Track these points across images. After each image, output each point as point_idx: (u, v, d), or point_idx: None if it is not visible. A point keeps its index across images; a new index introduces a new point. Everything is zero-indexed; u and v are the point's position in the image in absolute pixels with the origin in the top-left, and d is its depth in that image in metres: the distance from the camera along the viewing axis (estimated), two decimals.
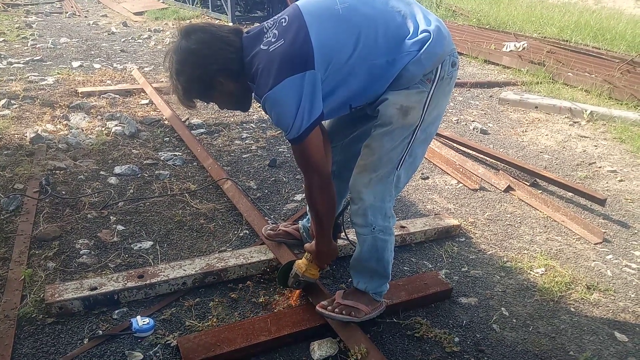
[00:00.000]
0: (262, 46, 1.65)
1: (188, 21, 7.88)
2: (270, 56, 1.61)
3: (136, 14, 9.46)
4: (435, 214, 2.93)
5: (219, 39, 1.69)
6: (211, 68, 1.68)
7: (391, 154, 1.74)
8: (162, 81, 5.20)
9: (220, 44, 1.68)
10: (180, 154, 3.52)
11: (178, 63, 1.69)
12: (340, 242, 2.25)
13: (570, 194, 3.30)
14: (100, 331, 1.90)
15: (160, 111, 4.30)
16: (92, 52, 6.35)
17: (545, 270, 2.51)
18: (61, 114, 4.03)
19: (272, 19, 1.72)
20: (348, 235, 2.16)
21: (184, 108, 1.87)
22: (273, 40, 1.63)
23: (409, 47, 1.64)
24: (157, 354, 1.82)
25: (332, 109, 1.74)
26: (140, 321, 1.90)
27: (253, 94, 1.75)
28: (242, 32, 1.75)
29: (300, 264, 2.04)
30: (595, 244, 2.79)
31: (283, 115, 1.63)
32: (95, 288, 2.02)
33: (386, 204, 1.82)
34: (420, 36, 1.64)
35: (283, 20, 1.67)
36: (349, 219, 1.92)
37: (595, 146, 4.24)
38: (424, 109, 1.71)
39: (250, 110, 4.81)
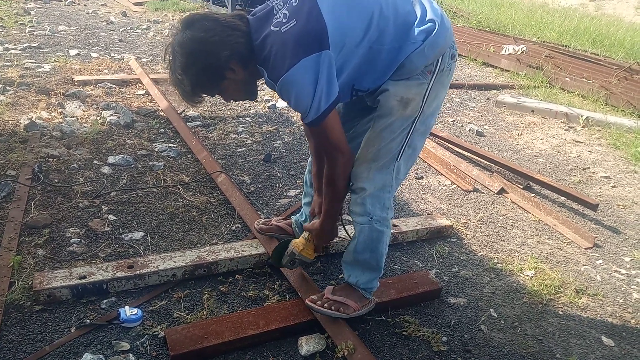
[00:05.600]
0: (272, 27, 1.59)
1: (187, 13, 7.84)
2: (283, 37, 1.56)
3: (136, 4, 9.39)
4: (427, 214, 2.94)
5: (225, 25, 1.63)
6: (223, 55, 1.62)
7: (391, 144, 1.75)
8: (160, 72, 5.18)
9: (228, 30, 1.62)
10: (174, 145, 3.50)
11: (185, 56, 1.62)
12: (336, 239, 2.25)
13: (562, 198, 3.32)
14: (88, 320, 1.89)
15: (156, 102, 4.28)
16: (90, 41, 6.31)
17: (535, 273, 2.52)
18: (56, 102, 4.01)
19: None
20: (345, 226, 2.15)
21: (189, 105, 1.79)
22: (284, 21, 1.57)
23: (415, 36, 1.63)
24: (145, 345, 1.82)
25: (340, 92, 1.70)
26: (129, 311, 1.90)
27: (264, 77, 1.66)
28: (245, 16, 1.69)
29: (298, 242, 2.00)
30: (585, 248, 2.80)
31: (301, 96, 1.57)
32: (84, 277, 2.01)
33: (385, 194, 1.82)
34: (426, 25, 1.64)
35: (294, 0, 1.62)
36: (347, 208, 1.92)
37: (590, 152, 4.26)
38: (423, 101, 1.71)
39: (247, 104, 4.80)
